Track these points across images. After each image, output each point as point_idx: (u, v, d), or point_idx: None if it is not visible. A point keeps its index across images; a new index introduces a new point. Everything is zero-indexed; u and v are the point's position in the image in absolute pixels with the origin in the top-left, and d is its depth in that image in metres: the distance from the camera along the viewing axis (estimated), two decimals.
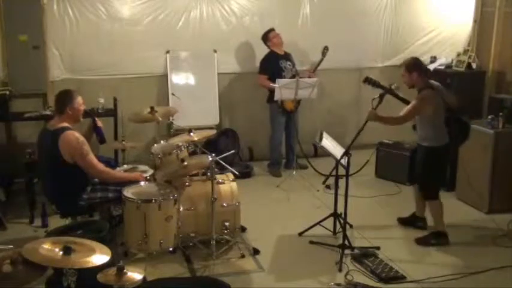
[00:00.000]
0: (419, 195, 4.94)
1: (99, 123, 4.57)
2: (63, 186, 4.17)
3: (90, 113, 4.59)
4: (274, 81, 6.05)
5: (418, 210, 5.06)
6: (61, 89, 4.43)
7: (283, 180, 6.30)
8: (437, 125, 4.61)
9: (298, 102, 6.36)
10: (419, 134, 4.74)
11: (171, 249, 4.29)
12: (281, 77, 6.19)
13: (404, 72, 4.66)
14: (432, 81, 4.73)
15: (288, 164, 6.68)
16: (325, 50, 6.41)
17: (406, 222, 5.11)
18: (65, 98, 4.21)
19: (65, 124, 4.14)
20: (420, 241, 4.77)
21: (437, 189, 4.80)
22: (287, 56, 6.45)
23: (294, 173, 6.38)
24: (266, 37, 6.39)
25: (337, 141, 4.90)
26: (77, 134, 4.11)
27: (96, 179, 4.30)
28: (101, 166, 4.22)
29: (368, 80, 4.99)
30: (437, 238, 4.74)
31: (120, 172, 4.60)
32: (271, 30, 6.39)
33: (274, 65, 6.33)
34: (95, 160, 4.18)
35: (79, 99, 4.24)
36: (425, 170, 4.76)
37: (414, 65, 4.65)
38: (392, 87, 4.62)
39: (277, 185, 6.17)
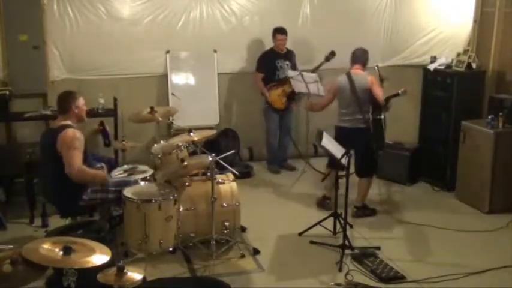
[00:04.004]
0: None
1: (108, 127, 4.62)
2: (64, 187, 4.16)
3: (102, 122, 4.63)
4: (268, 80, 6.20)
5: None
6: (63, 90, 4.45)
7: (284, 180, 6.30)
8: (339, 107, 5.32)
9: (289, 101, 6.36)
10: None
11: (171, 249, 4.29)
12: (274, 76, 6.28)
13: None
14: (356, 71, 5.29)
15: (280, 163, 6.69)
16: (331, 55, 6.31)
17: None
18: (69, 97, 4.26)
19: (69, 122, 4.16)
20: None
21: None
22: (287, 55, 6.44)
23: (294, 172, 6.40)
24: (274, 34, 6.36)
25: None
26: (78, 133, 4.11)
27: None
28: (77, 165, 4.00)
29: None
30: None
31: (92, 170, 4.30)
32: (282, 32, 6.32)
33: (269, 63, 6.36)
34: (76, 158, 4.01)
35: (81, 99, 4.31)
36: None
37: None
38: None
39: (277, 186, 6.17)
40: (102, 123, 4.59)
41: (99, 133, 4.62)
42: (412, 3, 7.20)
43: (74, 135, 4.07)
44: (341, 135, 5.13)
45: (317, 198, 5.57)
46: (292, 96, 6.36)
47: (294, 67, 6.43)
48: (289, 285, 4.11)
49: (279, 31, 6.35)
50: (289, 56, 6.46)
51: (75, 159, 4.03)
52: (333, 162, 5.09)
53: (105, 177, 4.28)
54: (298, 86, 5.92)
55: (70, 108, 4.21)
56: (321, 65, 6.40)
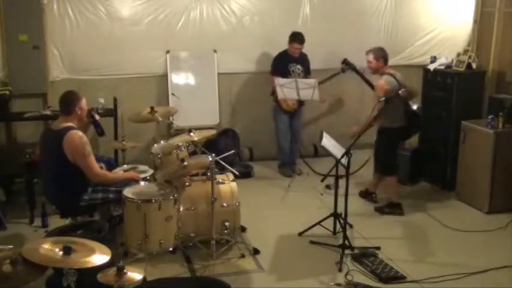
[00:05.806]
0: (377, 174, 5.63)
1: (97, 116, 4.56)
2: (65, 187, 4.16)
3: (90, 114, 4.58)
4: None
5: (371, 187, 5.72)
6: (65, 90, 4.42)
7: (284, 180, 6.30)
8: (391, 108, 5.07)
9: (300, 103, 6.32)
10: None
11: (171, 249, 4.30)
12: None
13: (372, 59, 5.31)
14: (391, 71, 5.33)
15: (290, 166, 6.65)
16: (346, 66, 6.17)
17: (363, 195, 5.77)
18: (73, 98, 4.23)
19: (70, 124, 4.15)
20: (377, 210, 5.46)
21: (393, 164, 5.52)
22: (300, 59, 6.32)
23: (298, 174, 6.41)
24: (290, 40, 6.19)
25: (340, 141, 4.89)
26: (81, 134, 4.12)
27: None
28: (97, 169, 4.21)
29: (346, 62, 5.74)
30: (391, 208, 5.40)
31: (115, 173, 4.56)
32: (299, 42, 6.15)
33: (282, 66, 6.26)
34: (94, 163, 4.17)
35: (84, 100, 4.29)
36: (379, 149, 5.52)
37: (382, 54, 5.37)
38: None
39: (277, 186, 6.16)
40: (91, 115, 4.49)
41: (90, 124, 4.56)
42: (412, 3, 7.20)
43: (81, 140, 4.07)
44: (407, 134, 5.41)
45: (360, 191, 5.80)
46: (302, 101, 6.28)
47: (307, 71, 6.36)
48: (289, 285, 4.11)
49: (296, 40, 6.16)
50: (302, 60, 6.34)
51: (93, 165, 4.15)
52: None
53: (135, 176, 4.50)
54: (287, 93, 5.88)
55: (74, 110, 4.19)
56: (335, 75, 6.28)
